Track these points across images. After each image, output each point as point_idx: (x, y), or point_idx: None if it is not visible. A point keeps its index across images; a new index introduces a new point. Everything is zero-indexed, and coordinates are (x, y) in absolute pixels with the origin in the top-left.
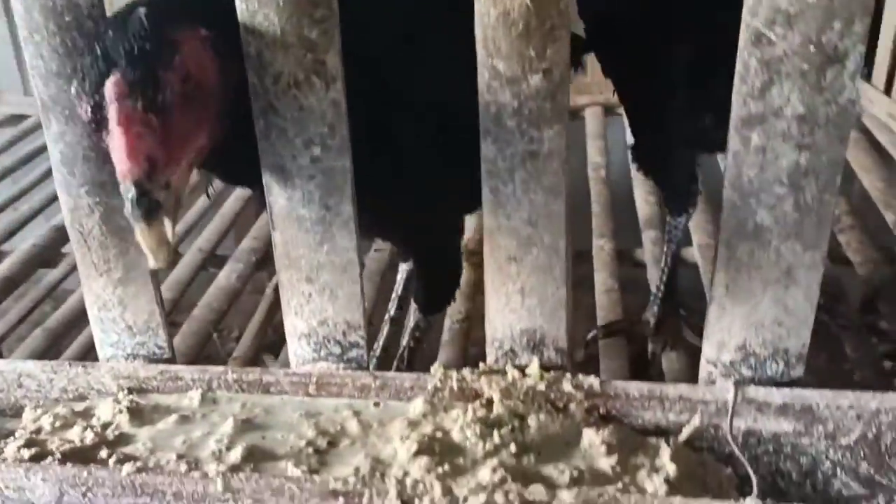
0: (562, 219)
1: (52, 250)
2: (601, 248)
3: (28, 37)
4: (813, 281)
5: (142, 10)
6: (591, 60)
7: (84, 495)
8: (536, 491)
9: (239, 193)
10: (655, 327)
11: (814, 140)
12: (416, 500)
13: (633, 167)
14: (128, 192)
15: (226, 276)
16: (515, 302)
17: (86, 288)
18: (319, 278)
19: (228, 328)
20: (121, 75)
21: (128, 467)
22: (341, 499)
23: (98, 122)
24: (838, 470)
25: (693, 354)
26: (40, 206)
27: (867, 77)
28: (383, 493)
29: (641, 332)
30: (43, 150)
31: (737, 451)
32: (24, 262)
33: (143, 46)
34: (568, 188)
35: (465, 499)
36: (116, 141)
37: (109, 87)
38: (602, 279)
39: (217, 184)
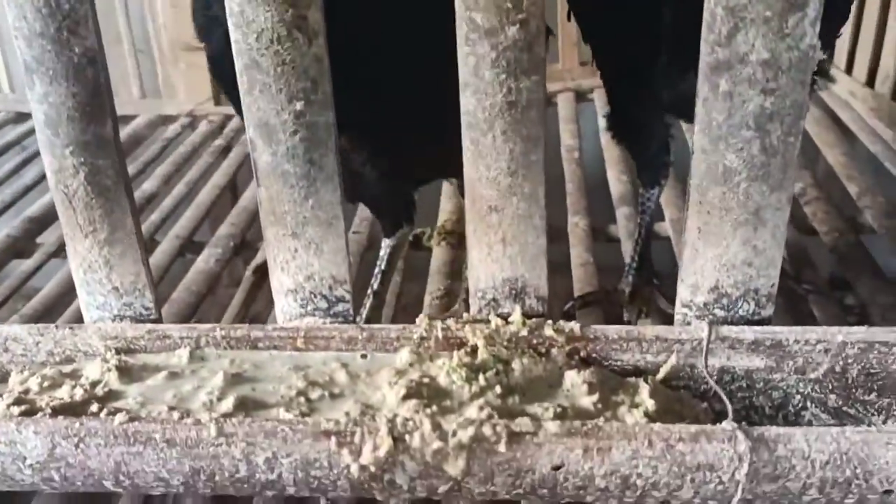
0: (541, 167)
1: (25, 241)
2: (576, 224)
3: None
4: (780, 221)
5: None
6: (563, 48)
7: (76, 446)
8: (523, 423)
9: (214, 182)
10: (630, 296)
11: (778, 84)
12: (407, 436)
13: (605, 142)
14: None
15: (204, 261)
16: (497, 251)
17: (70, 250)
18: (305, 233)
19: (205, 319)
20: None
21: (120, 417)
22: (333, 438)
23: None
24: (808, 403)
25: (666, 321)
26: (12, 200)
27: (830, 57)
28: (374, 431)
29: (617, 301)
30: (12, 145)
31: (711, 383)
32: None
33: None
34: (545, 148)
35: (455, 432)
36: None
37: None
38: (577, 254)
39: (192, 174)
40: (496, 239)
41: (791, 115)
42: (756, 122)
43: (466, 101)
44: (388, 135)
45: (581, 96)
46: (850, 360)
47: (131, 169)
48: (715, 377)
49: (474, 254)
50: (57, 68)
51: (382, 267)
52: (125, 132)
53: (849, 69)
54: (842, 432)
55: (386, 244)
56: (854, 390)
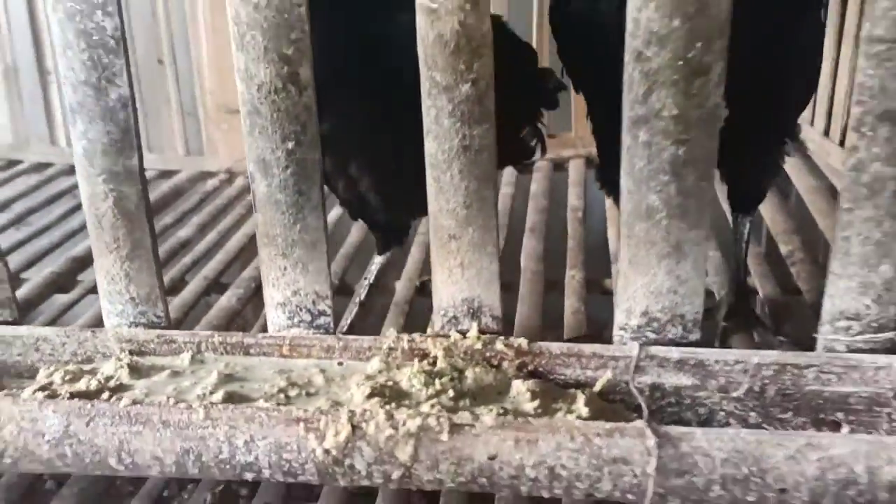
0: (493, 202)
1: (67, 277)
2: (572, 276)
3: (62, 52)
4: (699, 255)
5: None
6: (576, 117)
7: (87, 424)
8: (463, 416)
9: (245, 230)
10: (727, 314)
11: (689, 136)
12: (364, 424)
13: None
14: None
15: (227, 299)
16: (456, 275)
17: (97, 264)
18: (293, 254)
19: None
20: None
21: (125, 401)
22: (302, 424)
23: None
24: (731, 420)
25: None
26: (60, 241)
27: (825, 131)
28: (337, 419)
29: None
30: (63, 194)
31: (632, 386)
32: (41, 287)
33: None
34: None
35: (404, 422)
36: None
37: None
38: (570, 304)
39: (225, 223)
40: (455, 263)
41: (703, 163)
42: (672, 167)
43: (429, 145)
44: (389, 169)
45: (591, 162)
46: (766, 381)
47: (170, 217)
48: (647, 392)
49: (437, 277)
50: (95, 111)
51: (370, 280)
52: (168, 185)
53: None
54: (738, 433)
55: (377, 260)
56: (772, 409)
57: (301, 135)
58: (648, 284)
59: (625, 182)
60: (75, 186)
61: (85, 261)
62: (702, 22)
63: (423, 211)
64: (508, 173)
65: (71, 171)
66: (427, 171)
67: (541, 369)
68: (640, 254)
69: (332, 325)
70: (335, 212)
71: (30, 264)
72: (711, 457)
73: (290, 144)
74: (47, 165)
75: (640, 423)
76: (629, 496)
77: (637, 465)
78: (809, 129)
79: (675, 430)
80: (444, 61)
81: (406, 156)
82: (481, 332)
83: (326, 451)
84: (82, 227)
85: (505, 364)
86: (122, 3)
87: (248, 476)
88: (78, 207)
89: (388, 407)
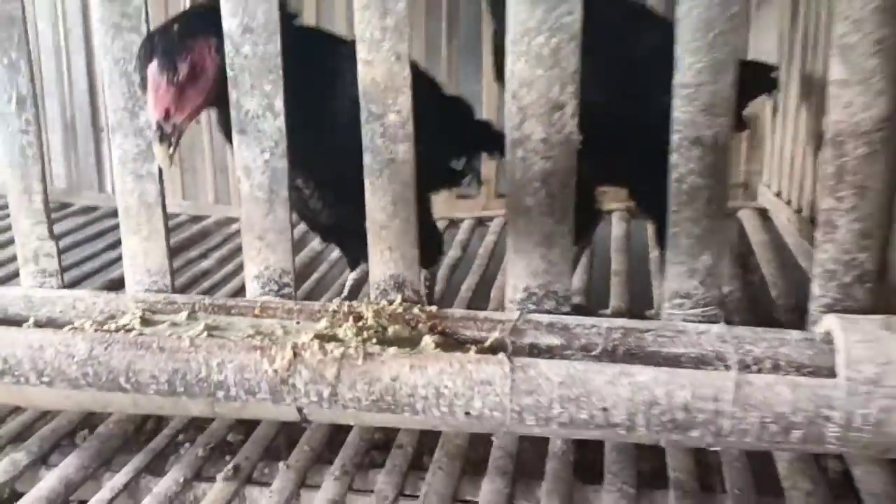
0: (412, 202)
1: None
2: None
3: (108, 86)
4: (566, 244)
5: (176, 27)
6: None
7: (105, 349)
8: (374, 348)
9: None
10: None
11: (552, 154)
12: (303, 352)
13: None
14: (152, 126)
15: None
16: (386, 256)
17: (124, 244)
18: (266, 237)
19: None
20: (156, 61)
21: (133, 333)
22: (258, 350)
23: (143, 86)
24: None
25: None
26: (101, 267)
27: (778, 192)
28: (283, 348)
29: None
30: (106, 231)
31: (507, 343)
32: None
33: (169, 47)
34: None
35: (331, 350)
36: (150, 98)
37: (150, 67)
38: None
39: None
40: (385, 247)
41: (564, 173)
42: (541, 177)
43: (366, 158)
44: (340, 191)
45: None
46: (616, 342)
47: (195, 252)
48: (527, 351)
49: (372, 259)
50: (129, 128)
51: (345, 294)
52: (197, 227)
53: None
54: (570, 363)
55: (350, 277)
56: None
57: (275, 149)
58: (527, 266)
59: (507, 187)
60: (117, 226)
61: (120, 283)
62: (557, 72)
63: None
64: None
65: (114, 213)
66: (365, 177)
67: (447, 329)
68: (520, 241)
69: (293, 293)
70: None
71: (73, 284)
72: (551, 380)
73: (266, 156)
74: (94, 209)
75: (501, 356)
76: (495, 413)
77: (498, 385)
78: (766, 190)
79: (524, 360)
80: (377, 96)
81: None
82: (404, 300)
83: (275, 371)
84: (120, 258)
85: (420, 325)
86: None
87: (220, 394)
88: (118, 243)
89: (322, 342)
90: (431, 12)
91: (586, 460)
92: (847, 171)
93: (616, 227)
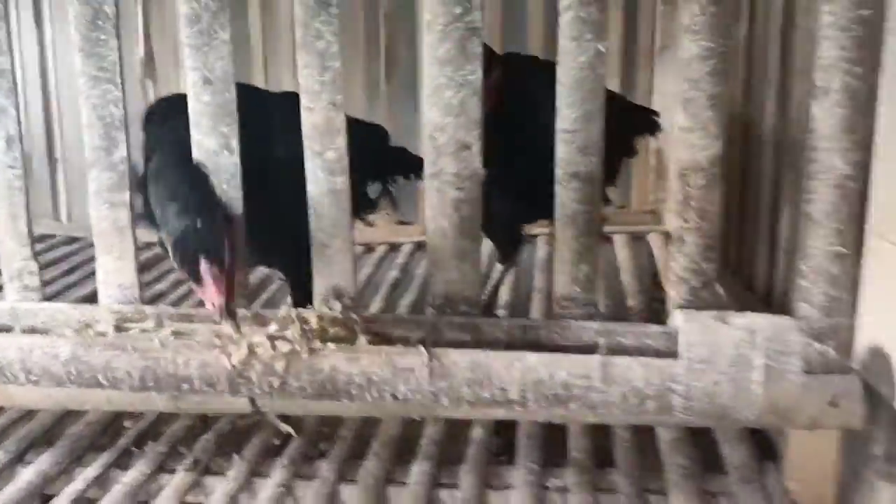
0: (349, 225)
1: None
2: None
3: (87, 127)
4: (476, 259)
5: (200, 223)
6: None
7: (86, 351)
8: (316, 344)
9: None
10: None
11: (462, 186)
12: (256, 348)
13: None
14: (217, 314)
15: None
16: (328, 270)
17: (98, 262)
18: None
19: None
20: (209, 261)
21: (110, 335)
22: (218, 348)
23: (194, 276)
24: None
25: None
26: (61, 289)
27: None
28: (240, 345)
29: None
30: (61, 259)
31: (427, 343)
32: None
33: (210, 244)
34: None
35: (281, 347)
36: (209, 292)
37: (205, 267)
38: None
39: None
40: (327, 263)
41: (473, 202)
42: (454, 205)
43: (310, 188)
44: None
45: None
46: (516, 338)
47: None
48: (443, 345)
49: (315, 272)
50: (104, 163)
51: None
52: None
53: None
54: (476, 352)
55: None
56: None
57: (231, 179)
58: (445, 277)
59: (428, 212)
60: (73, 253)
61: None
62: (463, 118)
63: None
64: None
65: (69, 241)
66: (309, 205)
67: (379, 330)
68: (439, 258)
69: (247, 305)
70: None
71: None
72: (460, 366)
73: (225, 185)
74: (52, 236)
75: (420, 348)
76: (417, 395)
77: (418, 371)
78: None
79: (439, 350)
80: (317, 137)
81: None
82: (343, 307)
83: (233, 366)
84: (77, 282)
85: (356, 327)
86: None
87: (185, 387)
88: (71, 270)
89: (272, 341)
90: (371, 54)
91: (501, 445)
92: (691, 199)
93: (540, 250)
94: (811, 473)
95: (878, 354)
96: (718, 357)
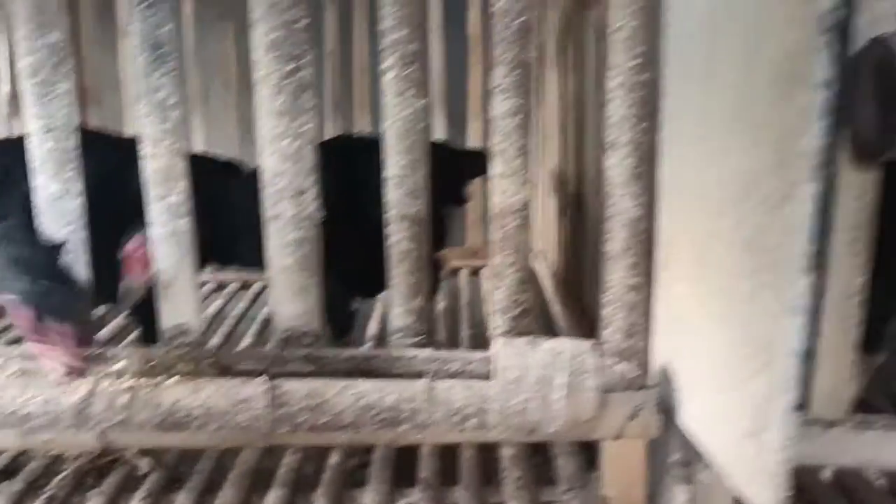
0: (190, 263)
1: None
2: None
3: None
4: (318, 295)
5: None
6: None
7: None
8: (160, 379)
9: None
10: None
11: (302, 226)
12: (99, 384)
13: None
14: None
15: None
16: (172, 309)
17: None
18: None
19: None
20: (62, 324)
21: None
22: (60, 386)
23: (39, 333)
24: None
25: None
26: None
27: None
28: (82, 383)
29: None
30: None
31: (271, 373)
32: None
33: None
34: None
35: (124, 383)
36: (63, 356)
37: (60, 329)
38: None
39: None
40: (170, 301)
41: (312, 240)
42: (297, 243)
43: (155, 230)
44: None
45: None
46: (359, 365)
47: None
48: (285, 376)
49: (162, 312)
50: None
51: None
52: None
53: None
54: (313, 381)
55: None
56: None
57: (76, 222)
58: (292, 311)
59: (272, 251)
60: None
61: None
62: (300, 165)
63: None
64: None
65: None
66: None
67: (226, 364)
68: (285, 293)
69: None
70: None
71: None
72: (298, 394)
73: (68, 227)
74: None
75: (261, 378)
76: (257, 423)
77: (259, 400)
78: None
79: (278, 381)
80: (159, 182)
81: None
82: (187, 344)
83: (76, 402)
84: None
85: (203, 361)
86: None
87: (28, 426)
88: None
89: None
90: (242, 94)
91: (356, 469)
92: (508, 237)
93: (462, 281)
94: (624, 480)
95: (667, 372)
96: (528, 377)
